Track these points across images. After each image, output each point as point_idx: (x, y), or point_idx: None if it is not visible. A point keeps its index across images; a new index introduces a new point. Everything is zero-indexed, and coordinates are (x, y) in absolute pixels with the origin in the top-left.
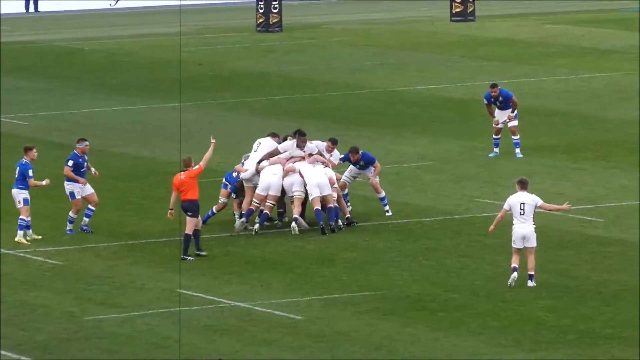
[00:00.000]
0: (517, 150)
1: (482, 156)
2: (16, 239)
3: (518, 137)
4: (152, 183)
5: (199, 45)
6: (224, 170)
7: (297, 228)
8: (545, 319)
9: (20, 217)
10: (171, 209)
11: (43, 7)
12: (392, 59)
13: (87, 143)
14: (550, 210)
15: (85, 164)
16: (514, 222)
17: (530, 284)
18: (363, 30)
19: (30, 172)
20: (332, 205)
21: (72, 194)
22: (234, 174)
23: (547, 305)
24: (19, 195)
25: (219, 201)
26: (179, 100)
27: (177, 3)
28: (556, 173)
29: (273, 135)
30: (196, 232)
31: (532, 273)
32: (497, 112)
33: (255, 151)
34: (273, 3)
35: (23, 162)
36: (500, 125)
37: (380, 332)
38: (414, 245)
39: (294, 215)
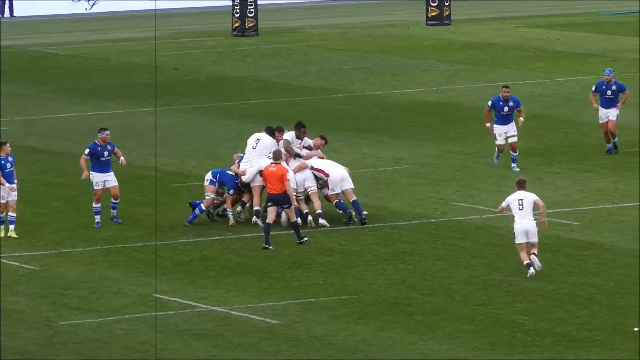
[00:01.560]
0: (514, 165)
1: (458, 160)
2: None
3: (517, 153)
4: (127, 187)
5: (175, 49)
6: (199, 174)
7: (325, 223)
8: (521, 323)
9: None
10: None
11: (18, 11)
12: (368, 63)
13: (107, 132)
14: (541, 212)
15: (106, 152)
16: (515, 219)
17: (537, 268)
18: (339, 35)
19: None
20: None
21: (91, 183)
22: (229, 172)
23: (523, 308)
24: None
25: (207, 197)
26: (154, 104)
27: (152, 7)
28: (532, 177)
29: (271, 129)
30: (294, 224)
31: (536, 252)
32: (497, 127)
33: (254, 148)
34: (249, 7)
35: None
36: (502, 142)
37: (356, 336)
38: (390, 249)
39: (318, 211)
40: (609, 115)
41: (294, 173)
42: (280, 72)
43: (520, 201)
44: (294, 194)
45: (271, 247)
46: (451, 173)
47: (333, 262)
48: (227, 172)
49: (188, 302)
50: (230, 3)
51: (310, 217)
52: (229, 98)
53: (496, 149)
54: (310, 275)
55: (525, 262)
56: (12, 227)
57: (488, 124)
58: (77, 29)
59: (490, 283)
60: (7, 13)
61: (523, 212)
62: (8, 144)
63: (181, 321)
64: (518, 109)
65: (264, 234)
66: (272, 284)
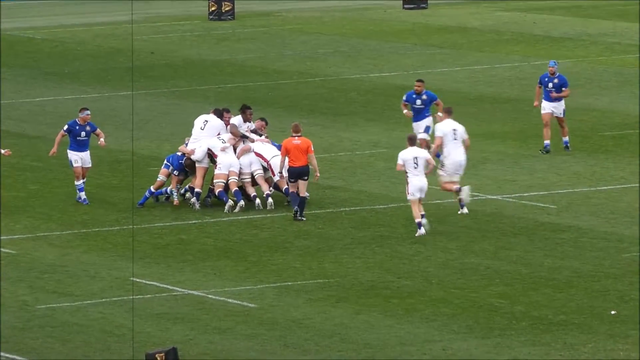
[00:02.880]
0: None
1: None
2: None
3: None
4: (104, 171)
5: (151, 33)
6: None
7: (272, 203)
8: (498, 306)
9: None
10: (280, 172)
11: None
12: (344, 46)
13: (88, 112)
14: (429, 169)
15: (84, 132)
16: (409, 176)
17: (426, 225)
18: (315, 18)
19: None
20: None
21: (70, 162)
22: (179, 153)
23: (500, 291)
24: None
25: (157, 179)
26: (131, 88)
27: None
28: (508, 160)
29: (219, 111)
30: (303, 199)
31: (424, 213)
32: (414, 124)
33: (202, 129)
34: None
35: None
36: (421, 136)
37: (333, 319)
38: (367, 233)
39: (266, 192)
40: (554, 111)
41: (238, 157)
42: (256, 56)
43: (415, 159)
44: (236, 178)
45: (304, 218)
46: None
47: (310, 246)
48: (177, 154)
49: (165, 285)
50: None
51: (258, 200)
52: (205, 82)
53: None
54: (287, 258)
55: (417, 220)
56: None
57: (405, 110)
58: (53, 13)
59: (466, 266)
60: None
61: (418, 170)
62: None
63: (158, 305)
64: (435, 102)
65: (291, 199)
66: (249, 267)
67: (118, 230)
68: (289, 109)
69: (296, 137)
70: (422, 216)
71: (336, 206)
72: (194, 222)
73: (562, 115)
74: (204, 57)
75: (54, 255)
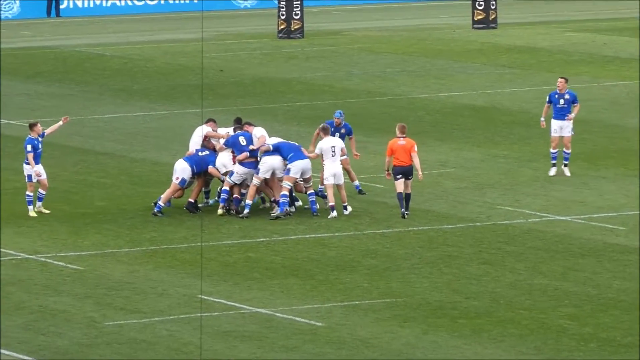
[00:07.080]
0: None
1: (504, 163)
2: (29, 214)
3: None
4: None
5: (220, 51)
6: None
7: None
8: (566, 327)
9: (26, 192)
10: (387, 171)
11: (64, 12)
12: (412, 66)
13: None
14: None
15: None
16: (325, 163)
17: (347, 212)
18: (384, 37)
19: (29, 147)
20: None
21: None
22: (201, 153)
23: (569, 313)
24: (25, 171)
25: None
26: (200, 106)
27: (199, 9)
28: (577, 181)
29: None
30: (408, 195)
31: (346, 203)
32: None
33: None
34: (295, 9)
35: (28, 139)
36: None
37: (400, 339)
38: (434, 252)
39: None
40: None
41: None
42: (325, 75)
43: (333, 148)
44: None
45: (408, 212)
46: (496, 177)
47: (378, 265)
48: (199, 153)
49: (232, 303)
50: (276, 5)
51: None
52: (273, 100)
53: None
54: (355, 277)
55: (330, 204)
56: (39, 203)
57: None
58: (122, 30)
59: (535, 287)
60: (53, 13)
61: (334, 158)
62: (39, 125)
63: (225, 322)
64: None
65: (398, 202)
66: (317, 286)
67: (186, 247)
68: (357, 127)
69: (401, 138)
70: (345, 207)
71: (404, 225)
72: (261, 240)
73: (345, 157)
74: (273, 75)
75: (122, 272)
